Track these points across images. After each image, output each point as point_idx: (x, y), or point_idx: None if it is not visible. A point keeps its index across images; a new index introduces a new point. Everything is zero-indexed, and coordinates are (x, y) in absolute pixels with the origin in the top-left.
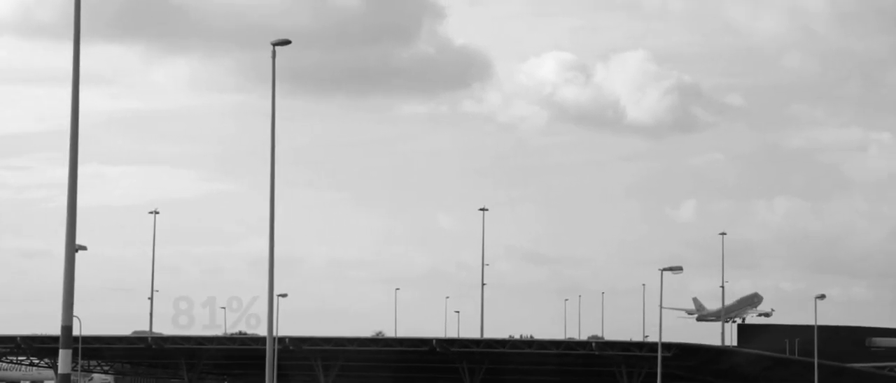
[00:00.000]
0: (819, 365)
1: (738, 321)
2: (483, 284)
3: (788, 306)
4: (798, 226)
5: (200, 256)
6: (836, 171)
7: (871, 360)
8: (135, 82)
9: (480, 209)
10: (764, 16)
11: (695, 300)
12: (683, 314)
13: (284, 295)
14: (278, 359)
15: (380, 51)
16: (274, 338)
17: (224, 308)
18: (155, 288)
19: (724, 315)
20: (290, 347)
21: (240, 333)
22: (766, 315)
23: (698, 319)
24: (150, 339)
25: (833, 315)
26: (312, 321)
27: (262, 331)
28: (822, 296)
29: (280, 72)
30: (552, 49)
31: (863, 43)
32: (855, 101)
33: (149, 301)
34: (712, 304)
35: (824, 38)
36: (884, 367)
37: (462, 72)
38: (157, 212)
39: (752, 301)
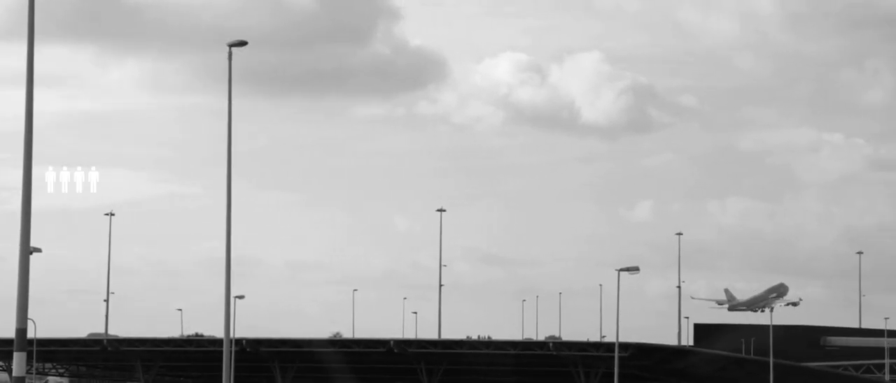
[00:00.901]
0: (774, 364)
1: (767, 310)
2: (440, 285)
3: None
4: (752, 226)
5: (157, 258)
6: (788, 172)
7: (825, 360)
8: (88, 83)
9: (438, 210)
10: (716, 18)
11: (726, 291)
12: (714, 304)
13: (241, 297)
14: (235, 361)
15: (335, 52)
16: (231, 340)
17: (180, 309)
18: (111, 290)
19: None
20: (247, 349)
21: (196, 335)
22: (794, 304)
23: (730, 309)
24: (105, 342)
25: (788, 315)
26: (270, 323)
27: (218, 333)
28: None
29: (236, 73)
30: (507, 50)
31: (814, 45)
32: (807, 103)
33: (105, 303)
34: (743, 295)
35: (776, 40)
36: (838, 366)
37: (418, 73)
38: (112, 214)
39: (779, 290)
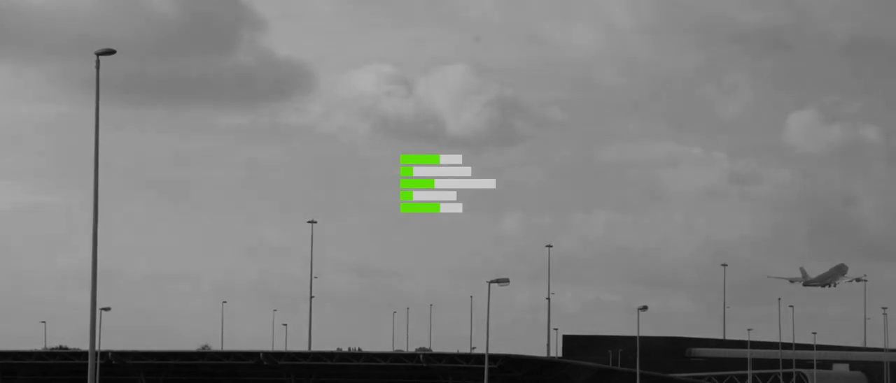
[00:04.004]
0: (641, 375)
1: (833, 286)
2: (311, 297)
3: (610, 318)
4: (617, 238)
5: (18, 270)
6: (651, 185)
7: (691, 370)
8: None
9: (309, 221)
10: (578, 31)
11: (801, 269)
12: (787, 281)
13: (107, 309)
14: (101, 374)
15: (198, 61)
16: (96, 353)
17: (44, 322)
18: None
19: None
20: (113, 362)
21: (60, 347)
22: (859, 279)
23: (804, 285)
24: None
25: (654, 326)
26: (136, 335)
27: (83, 346)
28: (644, 308)
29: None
30: (374, 61)
31: (673, 59)
32: (667, 116)
33: None
34: (814, 273)
35: (636, 54)
36: (703, 377)
37: (282, 83)
38: None
39: (842, 270)
